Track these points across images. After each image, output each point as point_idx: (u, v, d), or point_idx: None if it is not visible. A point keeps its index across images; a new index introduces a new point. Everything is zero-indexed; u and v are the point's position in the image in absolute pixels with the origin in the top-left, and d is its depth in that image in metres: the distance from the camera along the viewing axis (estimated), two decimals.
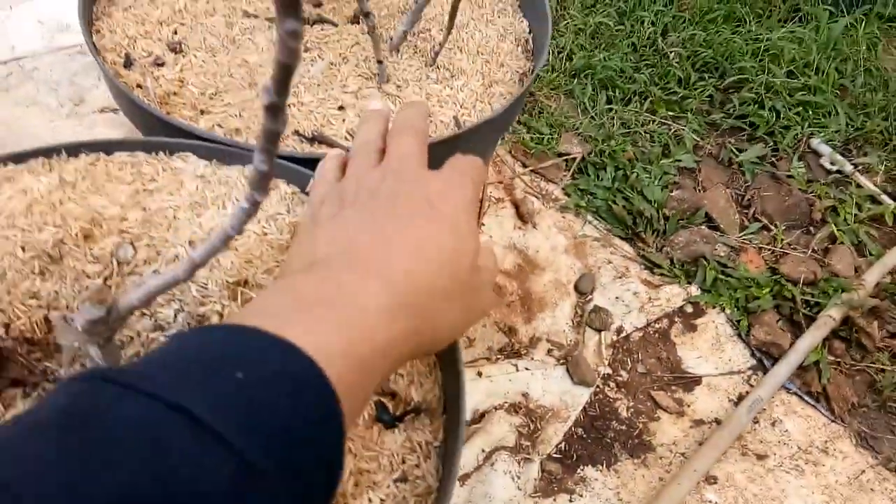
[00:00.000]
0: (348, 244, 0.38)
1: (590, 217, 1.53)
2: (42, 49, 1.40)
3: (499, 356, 1.29)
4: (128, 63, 0.96)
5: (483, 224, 1.48)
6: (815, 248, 1.53)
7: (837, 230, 1.55)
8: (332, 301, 0.32)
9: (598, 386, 1.27)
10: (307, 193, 0.69)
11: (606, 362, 1.30)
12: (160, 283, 0.45)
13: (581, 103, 1.70)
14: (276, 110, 0.36)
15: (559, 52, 1.79)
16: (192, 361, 0.26)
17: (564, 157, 1.61)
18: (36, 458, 0.21)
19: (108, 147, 0.78)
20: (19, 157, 0.73)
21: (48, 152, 0.76)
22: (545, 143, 1.61)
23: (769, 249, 1.52)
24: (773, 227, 1.56)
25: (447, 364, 0.60)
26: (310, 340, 0.28)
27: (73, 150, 0.76)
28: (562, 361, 1.29)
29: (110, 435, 0.22)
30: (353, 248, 0.38)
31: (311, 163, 0.85)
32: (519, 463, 1.15)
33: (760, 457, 1.21)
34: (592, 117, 1.68)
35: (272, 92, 0.37)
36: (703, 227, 1.52)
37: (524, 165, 1.60)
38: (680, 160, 1.64)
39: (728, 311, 1.39)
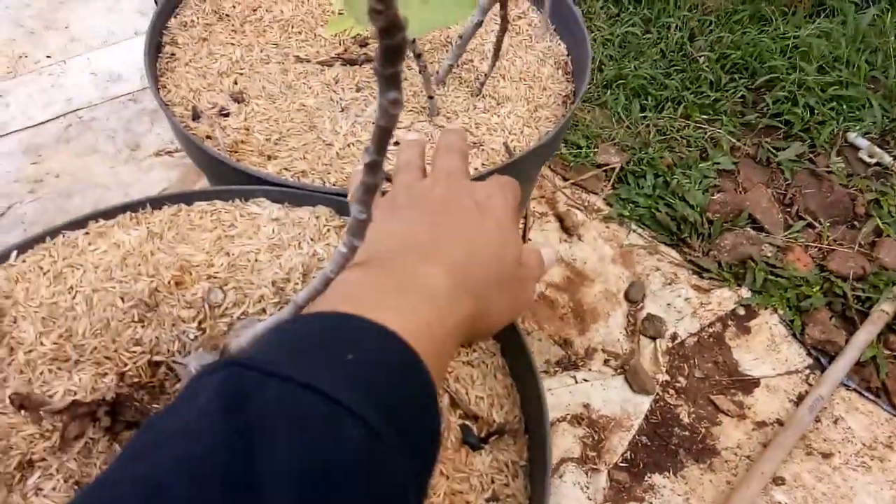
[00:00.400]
0: (410, 238, 0.42)
1: (634, 226, 1.55)
2: (97, 99, 1.45)
3: (557, 368, 1.31)
4: (195, 116, 1.00)
5: (530, 239, 1.50)
6: (862, 243, 1.53)
7: (882, 223, 1.56)
8: (407, 287, 0.37)
9: (657, 393, 1.29)
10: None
11: (664, 369, 1.32)
12: (268, 326, 0.49)
13: (615, 113, 1.72)
14: (375, 166, 0.40)
15: (592, 62, 1.81)
16: (310, 345, 0.30)
17: (604, 168, 1.63)
18: (212, 438, 0.25)
19: (188, 198, 0.82)
20: (108, 214, 0.77)
21: (134, 206, 0.80)
22: (583, 155, 1.64)
23: (816, 247, 1.53)
24: (817, 224, 1.56)
25: (527, 386, 0.63)
26: (399, 323, 0.32)
27: (157, 202, 0.80)
28: (619, 371, 1.31)
29: (263, 414, 0.25)
30: (415, 242, 0.41)
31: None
32: (587, 473, 1.17)
33: (826, 455, 1.22)
34: (628, 126, 1.70)
35: (373, 151, 0.40)
36: (747, 228, 1.53)
37: (564, 179, 1.63)
38: (718, 163, 1.65)
39: (780, 312, 1.40)
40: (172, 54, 1.11)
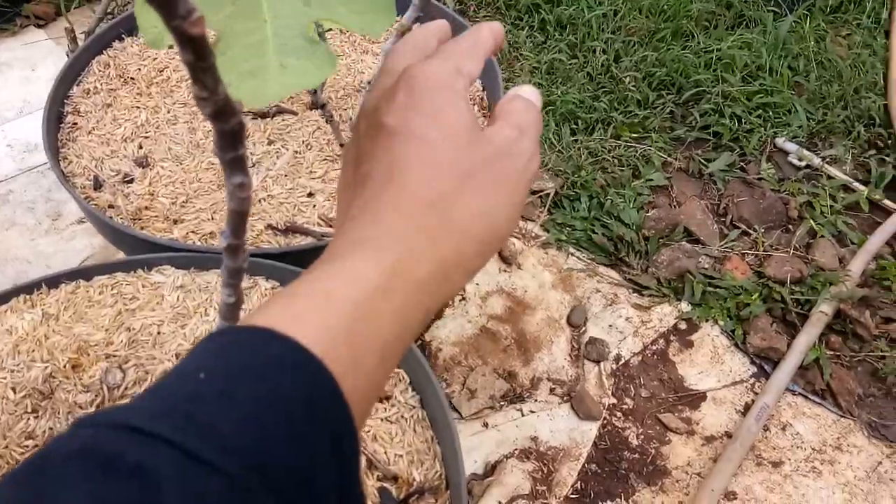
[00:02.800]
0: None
1: (572, 249, 1.55)
2: (14, 171, 1.43)
3: (502, 402, 1.29)
4: (97, 185, 0.99)
5: None
6: (797, 246, 1.54)
7: (816, 224, 1.57)
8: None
9: (604, 418, 1.27)
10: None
11: (610, 392, 1.31)
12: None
13: (546, 139, 1.73)
14: (235, 250, 0.38)
15: None
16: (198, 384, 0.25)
17: (538, 194, 1.64)
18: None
19: (86, 273, 0.80)
20: (1, 298, 0.74)
21: (29, 288, 0.78)
22: None
23: (752, 254, 1.54)
24: (752, 232, 1.58)
25: (445, 443, 0.60)
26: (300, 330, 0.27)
27: (53, 281, 0.78)
28: (566, 399, 1.30)
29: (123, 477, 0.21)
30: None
31: (287, 257, 0.87)
32: None
33: (776, 464, 1.21)
34: (560, 151, 1.71)
35: (229, 234, 0.39)
36: (683, 242, 1.54)
37: None
38: (651, 179, 1.66)
39: (721, 323, 1.40)
40: (74, 124, 1.09)
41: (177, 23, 0.22)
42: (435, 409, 0.65)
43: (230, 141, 0.30)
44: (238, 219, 0.36)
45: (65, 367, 0.64)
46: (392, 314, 0.28)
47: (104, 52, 1.20)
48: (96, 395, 0.63)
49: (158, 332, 0.70)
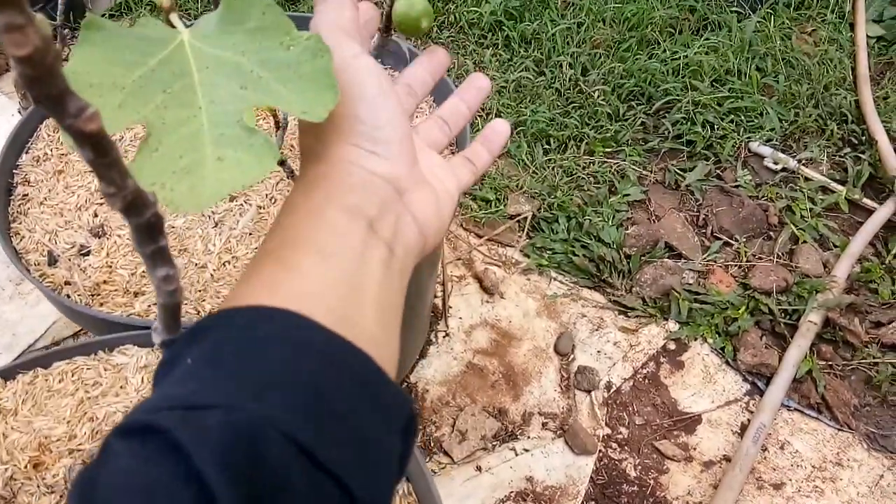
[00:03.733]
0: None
1: (554, 273, 1.51)
2: None
3: (494, 442, 1.26)
4: (52, 261, 0.94)
5: (450, 307, 1.46)
6: (780, 253, 1.53)
7: (797, 229, 1.56)
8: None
9: (600, 450, 1.24)
10: None
11: (603, 422, 1.28)
12: None
13: (520, 161, 1.70)
14: (171, 344, 0.35)
15: (487, 115, 1.80)
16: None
17: (516, 219, 1.61)
18: None
19: (45, 361, 0.75)
20: None
21: None
22: (494, 208, 1.61)
23: (736, 265, 1.51)
24: (734, 242, 1.56)
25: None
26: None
27: (9, 373, 0.73)
28: (559, 433, 1.26)
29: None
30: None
31: None
32: None
33: (777, 486, 1.18)
34: (534, 172, 1.68)
35: (162, 331, 0.35)
36: (665, 258, 1.51)
37: (478, 236, 1.59)
38: (628, 194, 1.64)
39: (710, 340, 1.38)
40: (25, 195, 1.04)
41: (69, 122, 0.20)
42: (420, 477, 0.62)
43: (148, 234, 0.27)
44: (170, 313, 0.33)
45: (26, 467, 0.60)
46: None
47: None
48: (61, 497, 0.59)
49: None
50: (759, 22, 1.99)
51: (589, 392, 1.32)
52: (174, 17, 0.36)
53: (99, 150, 0.22)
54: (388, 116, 0.34)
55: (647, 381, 1.34)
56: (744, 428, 1.25)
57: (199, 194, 0.33)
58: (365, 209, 0.33)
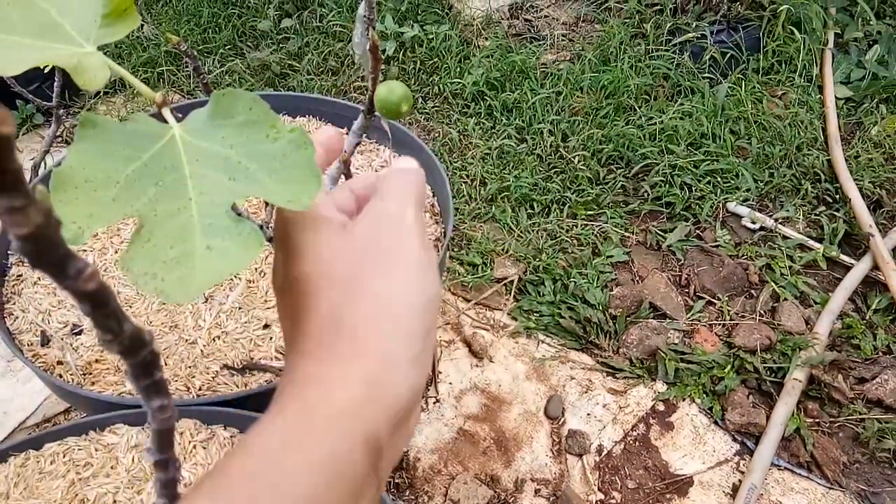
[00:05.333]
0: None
1: (542, 336, 1.53)
2: None
3: None
4: (45, 341, 0.95)
5: (440, 372, 1.46)
6: (762, 311, 1.55)
7: (778, 287, 1.59)
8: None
9: None
10: None
11: (595, 487, 1.27)
12: None
13: (505, 225, 1.74)
14: (165, 464, 0.37)
15: (472, 181, 1.84)
16: None
17: (503, 282, 1.63)
18: None
19: (36, 443, 0.76)
20: None
21: None
22: (480, 272, 1.63)
23: (719, 324, 1.54)
24: (716, 301, 1.58)
25: None
26: None
27: (1, 456, 0.73)
28: (552, 499, 1.26)
29: None
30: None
31: (245, 400, 0.84)
32: None
33: None
34: (519, 236, 1.72)
35: (155, 451, 0.37)
36: (650, 318, 1.54)
37: (466, 300, 1.61)
38: (611, 256, 1.67)
39: (698, 400, 1.39)
40: (19, 276, 1.06)
41: (68, 283, 0.21)
42: None
43: (143, 371, 0.29)
44: (163, 438, 0.34)
45: None
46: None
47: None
48: None
49: (114, 501, 0.66)
50: (730, 87, 2.07)
51: (580, 456, 1.32)
52: (166, 112, 0.39)
53: (97, 304, 0.22)
54: None
55: (637, 443, 1.34)
56: (735, 489, 1.25)
57: (188, 284, 0.35)
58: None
